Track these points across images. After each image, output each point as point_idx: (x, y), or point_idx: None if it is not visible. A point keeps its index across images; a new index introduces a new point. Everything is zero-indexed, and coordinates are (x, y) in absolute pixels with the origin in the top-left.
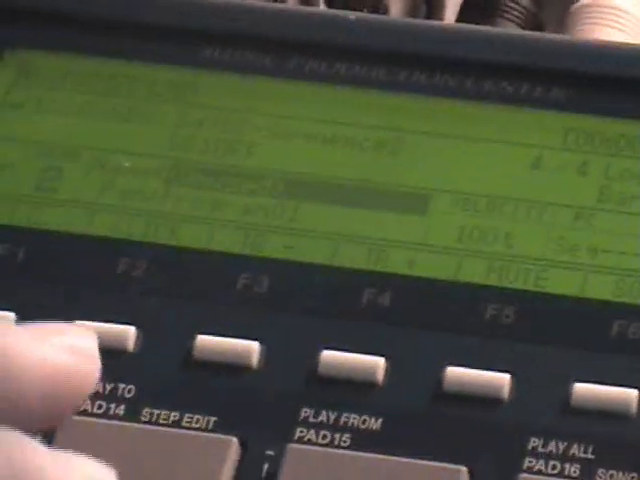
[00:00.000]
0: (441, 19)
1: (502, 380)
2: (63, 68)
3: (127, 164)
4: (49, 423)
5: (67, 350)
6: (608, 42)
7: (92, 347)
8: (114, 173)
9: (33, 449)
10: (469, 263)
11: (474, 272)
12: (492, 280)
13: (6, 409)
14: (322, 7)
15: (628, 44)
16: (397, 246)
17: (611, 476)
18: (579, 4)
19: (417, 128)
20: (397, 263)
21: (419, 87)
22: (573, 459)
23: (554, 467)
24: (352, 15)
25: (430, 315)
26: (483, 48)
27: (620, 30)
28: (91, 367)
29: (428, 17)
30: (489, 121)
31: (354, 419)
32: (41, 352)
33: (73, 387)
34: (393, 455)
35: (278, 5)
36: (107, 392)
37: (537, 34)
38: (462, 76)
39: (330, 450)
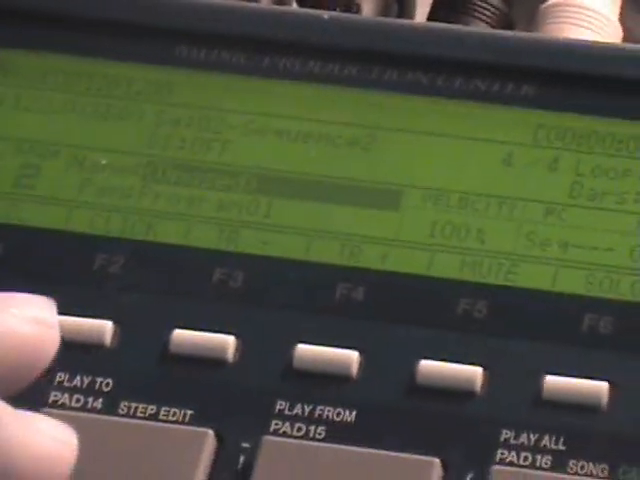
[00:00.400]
0: (412, 18)
1: (475, 373)
2: (42, 66)
3: (104, 161)
4: (13, 390)
5: (30, 320)
6: (577, 40)
7: (52, 317)
8: (92, 170)
9: None
10: (442, 258)
11: (447, 267)
12: (465, 275)
13: None
14: (294, 6)
15: (596, 42)
16: (370, 241)
17: (582, 467)
18: (548, 3)
19: (389, 125)
20: (370, 258)
21: (391, 85)
22: (545, 450)
23: (526, 458)
24: (325, 14)
25: (403, 309)
26: (454, 46)
27: (588, 28)
28: (52, 336)
29: (399, 16)
30: (461, 118)
31: (329, 412)
32: (4, 321)
33: (36, 356)
34: (367, 447)
35: (252, 4)
36: (85, 386)
37: (507, 33)
38: (434, 74)
39: (305, 442)
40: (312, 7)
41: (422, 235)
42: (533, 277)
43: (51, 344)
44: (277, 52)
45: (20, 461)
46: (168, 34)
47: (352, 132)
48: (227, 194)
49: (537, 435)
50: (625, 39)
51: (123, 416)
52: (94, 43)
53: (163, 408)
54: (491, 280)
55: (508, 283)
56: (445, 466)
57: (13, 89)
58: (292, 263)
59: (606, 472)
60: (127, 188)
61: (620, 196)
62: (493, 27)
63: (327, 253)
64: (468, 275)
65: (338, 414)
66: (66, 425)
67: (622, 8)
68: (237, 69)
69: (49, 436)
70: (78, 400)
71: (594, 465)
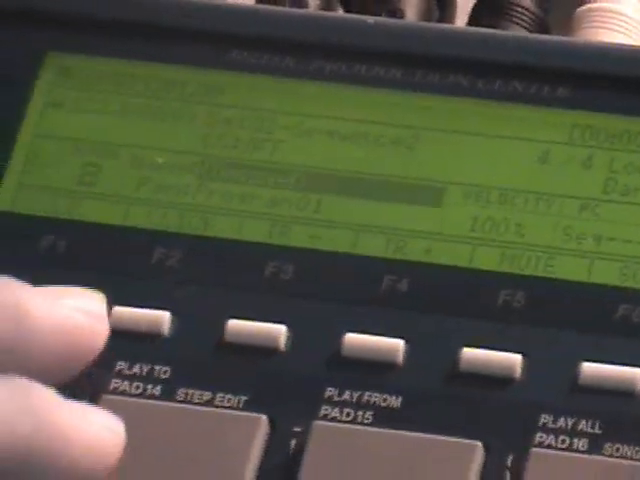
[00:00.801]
0: (453, 23)
1: (514, 360)
2: (99, 70)
3: (161, 160)
4: (61, 378)
5: (81, 311)
6: (610, 43)
7: (102, 309)
8: (150, 169)
9: (50, 398)
10: (482, 251)
11: (487, 260)
12: (504, 267)
13: (20, 360)
14: (340, 12)
15: (630, 45)
16: (414, 236)
17: (617, 449)
18: (582, 9)
19: (432, 125)
20: (414, 251)
21: (434, 87)
22: (581, 434)
23: (563, 441)
24: (370, 19)
25: (446, 300)
26: (493, 49)
27: (621, 33)
28: (101, 327)
29: (441, 21)
30: (500, 119)
31: (376, 398)
32: (55, 311)
33: (86, 345)
34: (412, 431)
35: (301, 11)
36: (144, 374)
37: (544, 36)
38: (474, 76)
39: (353, 426)
40: (358, 13)
41: (463, 229)
42: (569, 269)
43: (100, 335)
44: (324, 56)
45: (75, 450)
46: (220, 38)
47: (396, 132)
48: (278, 191)
49: (574, 419)
50: None
51: (180, 402)
52: (150, 49)
53: (218, 394)
54: (529, 272)
55: (546, 275)
56: (487, 449)
57: (73, 92)
58: (340, 256)
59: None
60: (183, 185)
61: None
62: (530, 31)
63: (373, 247)
64: (507, 267)
65: (384, 400)
66: (115, 416)
67: None
68: (287, 72)
69: (102, 425)
70: (137, 387)
71: (629, 447)
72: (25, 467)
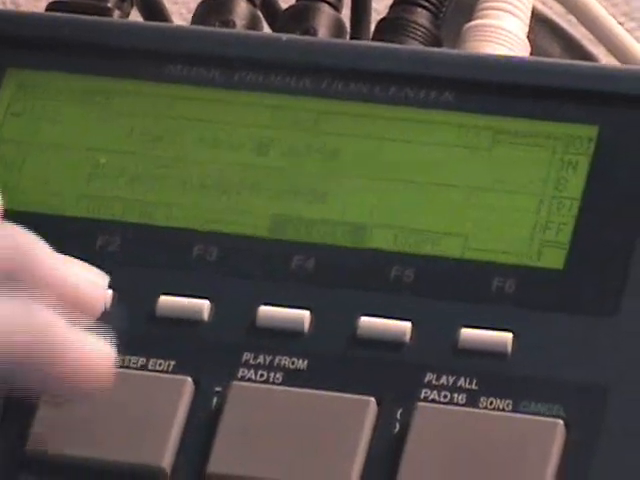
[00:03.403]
0: (367, 39)
1: (404, 327)
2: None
3: (103, 160)
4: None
5: (83, 277)
6: (490, 54)
7: (104, 282)
8: (94, 167)
9: (50, 314)
10: (378, 233)
11: (382, 241)
12: (397, 247)
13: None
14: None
15: (506, 55)
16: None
17: (491, 403)
18: (470, 24)
19: (337, 126)
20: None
21: (337, 93)
22: (461, 390)
23: (445, 396)
24: (285, 36)
25: (346, 275)
26: (391, 61)
27: (501, 44)
28: (100, 295)
29: (353, 38)
30: (394, 120)
31: (285, 361)
32: (69, 267)
33: (83, 304)
34: (315, 390)
35: (227, 30)
36: None
37: (435, 49)
38: (372, 84)
39: (266, 386)
40: (278, 31)
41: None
42: (450, 247)
43: (97, 302)
44: (245, 68)
45: (67, 363)
46: (159, 54)
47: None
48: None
49: (454, 377)
50: (532, 53)
51: (120, 367)
52: (98, 63)
53: (151, 360)
54: (417, 251)
55: (431, 252)
56: (379, 403)
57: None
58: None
59: (510, 406)
60: (122, 182)
61: None
62: (425, 45)
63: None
64: (400, 247)
65: (292, 363)
66: (108, 343)
67: (531, 28)
68: (213, 83)
69: (96, 348)
70: None
71: (501, 400)
72: (20, 375)
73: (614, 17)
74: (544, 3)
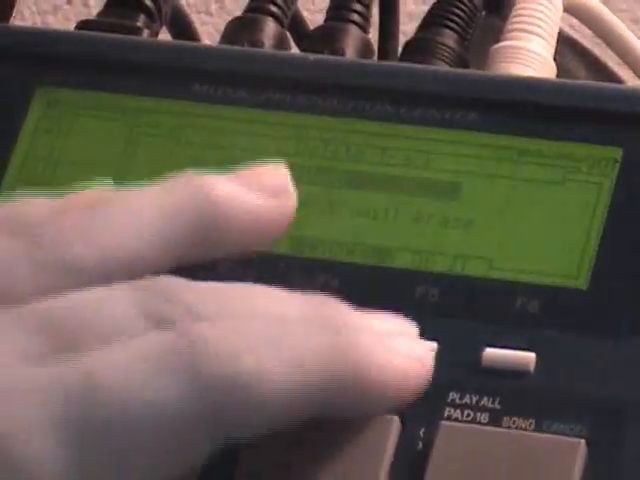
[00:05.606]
0: (395, 60)
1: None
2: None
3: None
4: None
5: (268, 194)
6: (517, 75)
7: (288, 183)
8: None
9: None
10: (399, 255)
11: (403, 260)
12: (420, 267)
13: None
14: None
15: (532, 77)
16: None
17: (514, 422)
18: (497, 46)
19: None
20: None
21: (363, 113)
22: (483, 409)
23: (468, 415)
24: (312, 56)
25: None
26: (420, 82)
27: (528, 66)
28: (290, 206)
29: (381, 59)
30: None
31: None
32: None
33: (270, 230)
34: None
35: (255, 49)
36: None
37: (461, 70)
38: (398, 105)
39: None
40: (306, 51)
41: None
42: (473, 267)
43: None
44: (273, 88)
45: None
46: (185, 73)
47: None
48: None
49: (477, 396)
50: (558, 75)
51: None
52: (125, 81)
53: None
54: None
55: (455, 272)
56: (403, 422)
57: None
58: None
59: (533, 425)
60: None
61: None
62: (451, 65)
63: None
64: (423, 267)
65: None
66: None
67: (557, 50)
68: (241, 103)
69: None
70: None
71: (524, 420)
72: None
73: None
74: (572, 26)
